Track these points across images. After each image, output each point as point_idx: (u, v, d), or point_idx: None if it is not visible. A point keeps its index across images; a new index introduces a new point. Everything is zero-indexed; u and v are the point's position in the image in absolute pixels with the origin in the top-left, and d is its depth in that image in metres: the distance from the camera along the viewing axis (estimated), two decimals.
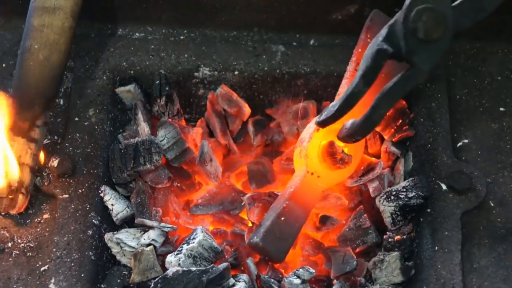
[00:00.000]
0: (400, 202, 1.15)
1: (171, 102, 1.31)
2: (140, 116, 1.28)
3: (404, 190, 1.16)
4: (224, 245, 1.16)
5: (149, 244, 1.12)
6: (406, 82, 0.95)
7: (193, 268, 1.03)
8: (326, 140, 1.17)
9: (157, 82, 1.31)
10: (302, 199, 1.15)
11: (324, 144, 1.17)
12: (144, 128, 1.27)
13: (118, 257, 1.15)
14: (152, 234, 1.13)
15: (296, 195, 1.14)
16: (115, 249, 1.14)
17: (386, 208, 1.15)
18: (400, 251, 1.14)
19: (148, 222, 1.15)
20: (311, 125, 1.18)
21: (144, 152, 1.20)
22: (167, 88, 1.30)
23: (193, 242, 1.08)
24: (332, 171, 1.17)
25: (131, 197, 1.22)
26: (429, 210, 1.16)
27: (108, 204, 1.19)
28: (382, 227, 1.21)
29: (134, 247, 1.12)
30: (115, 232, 1.15)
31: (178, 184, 1.28)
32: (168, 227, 1.15)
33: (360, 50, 1.20)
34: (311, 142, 1.16)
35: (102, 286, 1.12)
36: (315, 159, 1.16)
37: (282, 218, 1.12)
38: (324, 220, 1.22)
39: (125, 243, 1.13)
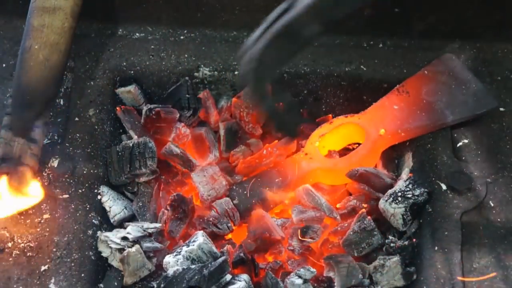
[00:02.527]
0: (411, 201, 1.15)
1: (194, 116, 1.34)
2: (125, 125, 1.29)
3: (409, 189, 1.17)
4: (226, 246, 1.16)
5: (124, 237, 1.11)
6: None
7: (192, 266, 1.04)
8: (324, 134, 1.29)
9: (184, 91, 1.32)
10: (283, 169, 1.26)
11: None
12: (132, 135, 1.28)
13: (109, 261, 1.14)
14: (128, 228, 1.13)
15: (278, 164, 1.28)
16: (105, 253, 1.14)
17: (397, 210, 1.15)
18: (401, 256, 1.13)
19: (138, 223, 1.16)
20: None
21: (138, 156, 1.21)
22: (193, 101, 1.33)
23: (193, 245, 1.08)
24: (324, 156, 1.28)
25: (133, 202, 1.23)
26: (429, 210, 1.16)
27: (106, 205, 1.19)
28: (383, 228, 1.21)
29: (118, 243, 1.11)
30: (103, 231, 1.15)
31: (169, 181, 1.28)
32: (151, 228, 1.14)
33: (413, 79, 1.29)
34: (316, 131, 1.29)
35: (101, 286, 1.12)
36: (314, 144, 1.27)
37: (259, 179, 1.25)
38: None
39: (112, 240, 1.12)
